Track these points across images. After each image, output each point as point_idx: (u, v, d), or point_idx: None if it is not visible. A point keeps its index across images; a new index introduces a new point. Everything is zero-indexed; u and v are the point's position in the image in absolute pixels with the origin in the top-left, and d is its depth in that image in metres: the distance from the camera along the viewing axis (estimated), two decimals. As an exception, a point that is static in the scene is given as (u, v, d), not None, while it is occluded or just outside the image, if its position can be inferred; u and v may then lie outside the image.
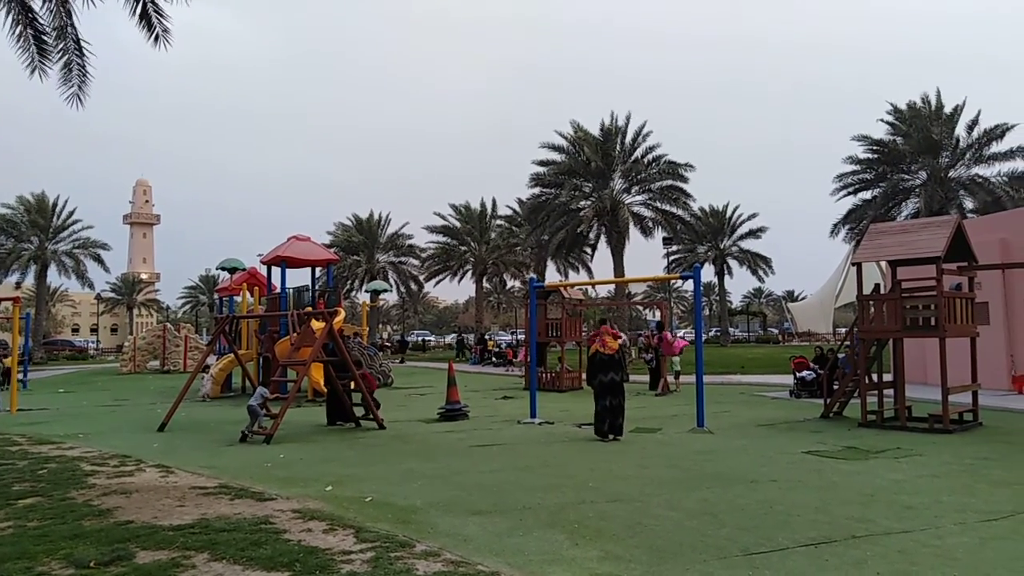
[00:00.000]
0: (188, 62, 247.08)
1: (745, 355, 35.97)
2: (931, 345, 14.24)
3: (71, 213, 49.80)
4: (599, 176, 38.82)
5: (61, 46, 9.39)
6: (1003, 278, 16.81)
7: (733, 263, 55.49)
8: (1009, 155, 33.03)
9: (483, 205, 51.97)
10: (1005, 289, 17.09)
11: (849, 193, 37.17)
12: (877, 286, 14.44)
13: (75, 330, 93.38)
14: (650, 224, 40.08)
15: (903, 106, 35.57)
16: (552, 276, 47.72)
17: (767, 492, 7.16)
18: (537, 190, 40.56)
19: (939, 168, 34.45)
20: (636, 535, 5.68)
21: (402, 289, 55.80)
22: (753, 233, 54.46)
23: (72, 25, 9.41)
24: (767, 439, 10.93)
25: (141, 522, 5.98)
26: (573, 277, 48.59)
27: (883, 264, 15.55)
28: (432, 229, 51.45)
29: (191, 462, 9.14)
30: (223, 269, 26.98)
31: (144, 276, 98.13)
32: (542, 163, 39.81)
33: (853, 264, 13.46)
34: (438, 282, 53.55)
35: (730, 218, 55.00)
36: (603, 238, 40.49)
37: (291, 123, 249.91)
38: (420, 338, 70.84)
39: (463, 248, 51.74)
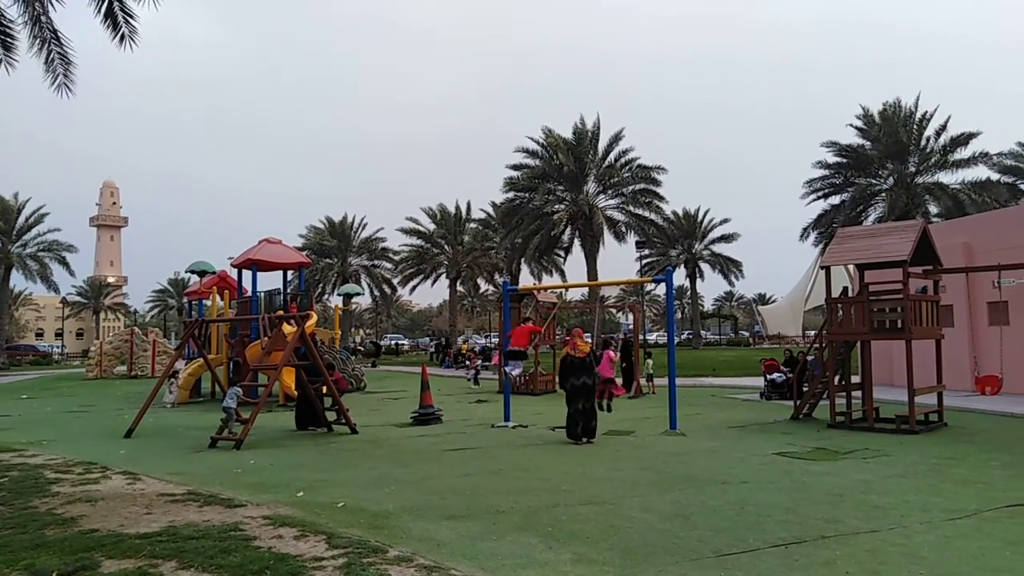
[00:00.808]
0: (159, 73, 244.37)
1: (716, 358, 36.31)
2: (898, 347, 14.52)
3: (35, 213, 48.60)
4: (572, 180, 39.06)
5: (39, 34, 9.17)
6: (967, 281, 17.20)
7: (705, 266, 56.05)
8: (972, 161, 33.87)
9: (458, 208, 52.01)
10: (968, 292, 17.49)
11: (819, 198, 37.76)
12: (845, 289, 14.66)
13: (39, 335, 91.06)
14: (623, 228, 40.43)
15: (875, 111, 36.15)
16: (526, 279, 47.83)
17: (738, 493, 7.23)
18: (512, 194, 40.71)
19: (906, 173, 35.14)
20: (609, 537, 5.69)
21: (375, 293, 55.50)
22: (725, 238, 55.04)
23: (47, 14, 9.22)
24: (738, 441, 11.05)
25: (107, 530, 5.85)
26: (547, 280, 48.71)
27: (851, 268, 15.80)
28: (406, 232, 51.32)
29: (159, 468, 8.97)
30: (193, 272, 26.57)
31: (111, 279, 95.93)
32: (516, 167, 39.98)
33: (822, 268, 13.65)
34: (414, 287, 53.38)
35: (701, 222, 55.51)
36: (577, 241, 40.73)
37: (263, 132, 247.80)
38: (393, 342, 70.37)
39: (437, 251, 51.61)
